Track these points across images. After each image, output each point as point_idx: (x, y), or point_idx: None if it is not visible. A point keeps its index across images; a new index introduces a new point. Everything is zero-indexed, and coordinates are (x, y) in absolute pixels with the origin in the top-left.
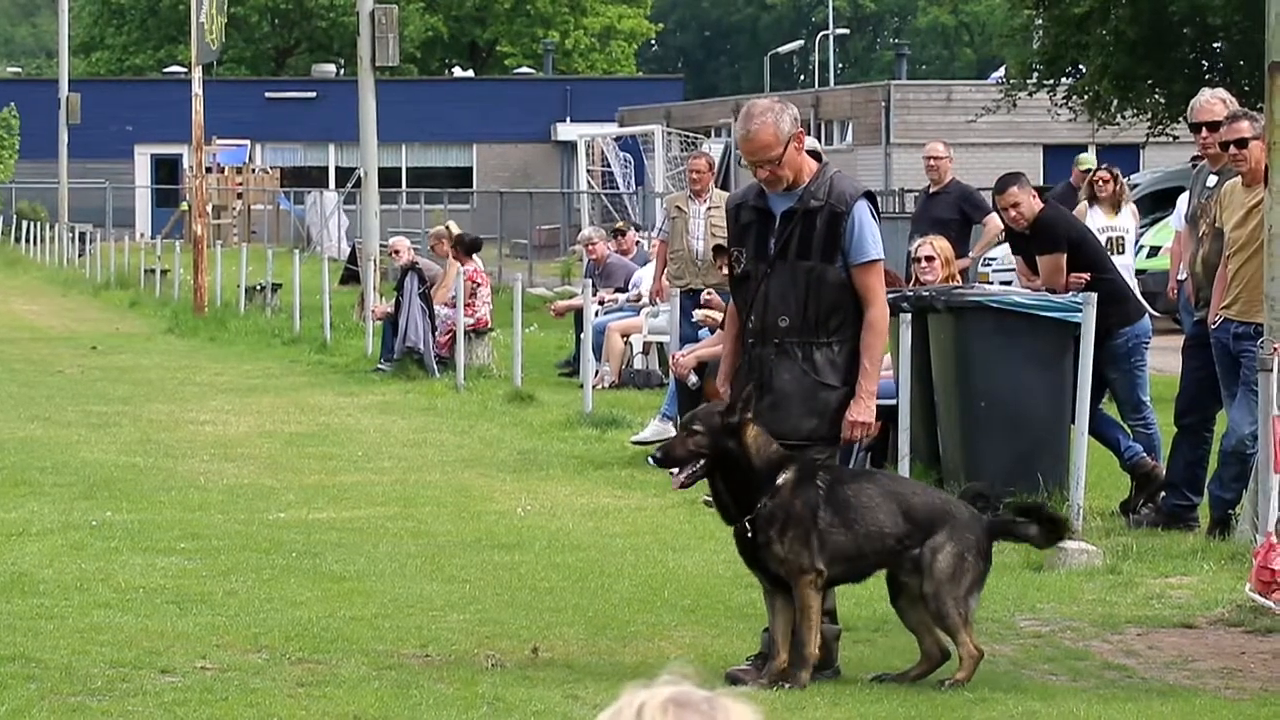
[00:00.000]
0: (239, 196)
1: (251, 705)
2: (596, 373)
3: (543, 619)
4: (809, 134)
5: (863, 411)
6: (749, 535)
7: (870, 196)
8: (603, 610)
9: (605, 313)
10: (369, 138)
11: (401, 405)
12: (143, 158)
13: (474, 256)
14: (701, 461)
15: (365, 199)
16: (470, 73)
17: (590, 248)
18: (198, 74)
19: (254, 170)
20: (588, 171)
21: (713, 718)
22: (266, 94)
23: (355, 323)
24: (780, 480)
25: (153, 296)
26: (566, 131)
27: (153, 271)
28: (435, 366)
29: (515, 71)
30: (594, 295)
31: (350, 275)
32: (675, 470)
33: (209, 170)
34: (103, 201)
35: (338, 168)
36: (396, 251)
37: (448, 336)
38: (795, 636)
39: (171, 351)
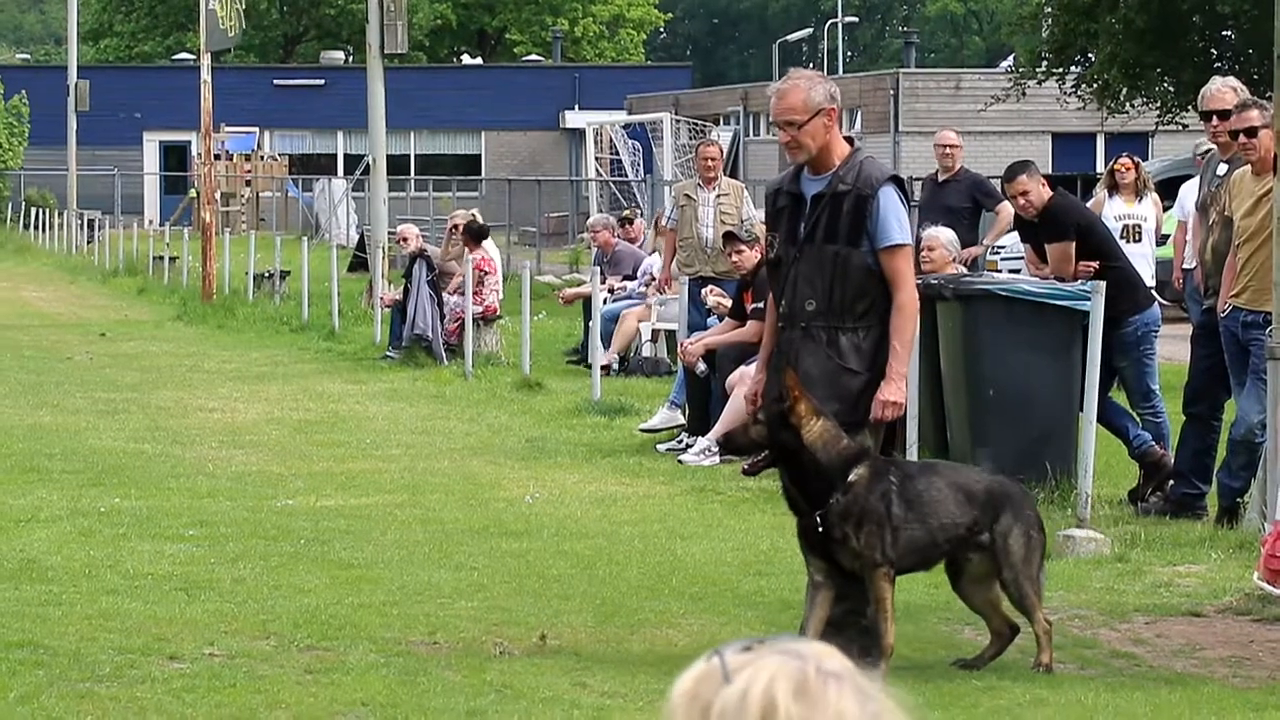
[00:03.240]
0: (247, 184)
1: (259, 692)
2: (604, 361)
3: (551, 606)
4: None
5: (894, 392)
6: (820, 530)
7: (898, 181)
8: (611, 598)
9: (614, 300)
10: (377, 125)
11: (410, 393)
12: (151, 145)
13: (483, 244)
14: (764, 451)
15: (374, 186)
16: (479, 60)
17: (595, 234)
18: (206, 61)
19: (262, 157)
20: (596, 159)
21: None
22: (275, 81)
23: (364, 310)
24: (853, 476)
25: (161, 283)
26: (575, 119)
27: (161, 258)
28: (444, 354)
29: (524, 59)
30: (602, 283)
31: (359, 263)
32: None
33: (217, 157)
34: (111, 188)
35: (346, 155)
36: (405, 239)
37: (456, 324)
38: (873, 628)
39: (180, 339)
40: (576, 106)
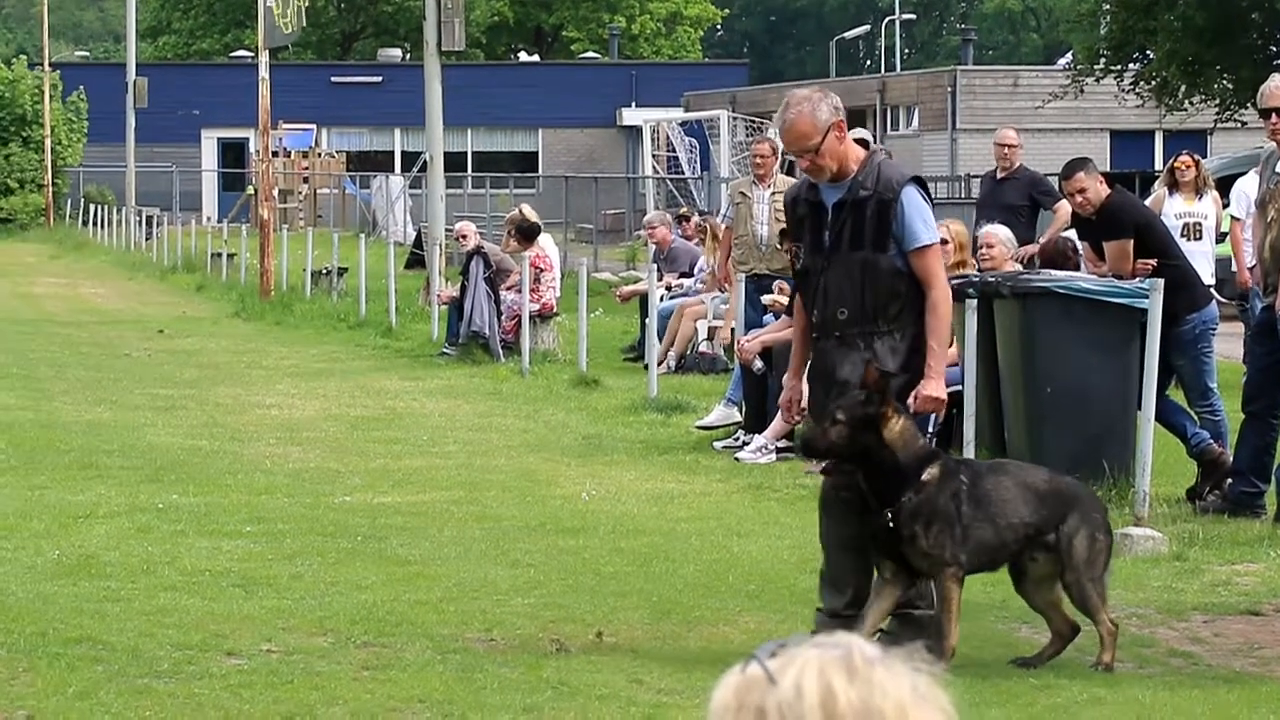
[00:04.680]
0: (305, 181)
1: (316, 688)
2: (661, 358)
3: (607, 603)
4: (875, 120)
5: (934, 388)
6: (891, 527)
7: (919, 181)
8: (667, 595)
9: (671, 297)
10: (434, 122)
11: (466, 390)
12: (209, 142)
13: (537, 241)
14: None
15: (431, 183)
16: (536, 57)
17: (651, 231)
18: (264, 58)
19: (320, 154)
20: (653, 156)
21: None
22: (332, 78)
23: (421, 307)
24: (926, 475)
25: (219, 280)
26: (632, 116)
27: (219, 255)
28: (500, 351)
29: (581, 56)
30: (659, 280)
31: (416, 260)
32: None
33: (275, 154)
34: (169, 185)
35: (403, 152)
36: (462, 236)
37: (513, 321)
38: (937, 628)
39: (237, 335)
40: (633, 104)
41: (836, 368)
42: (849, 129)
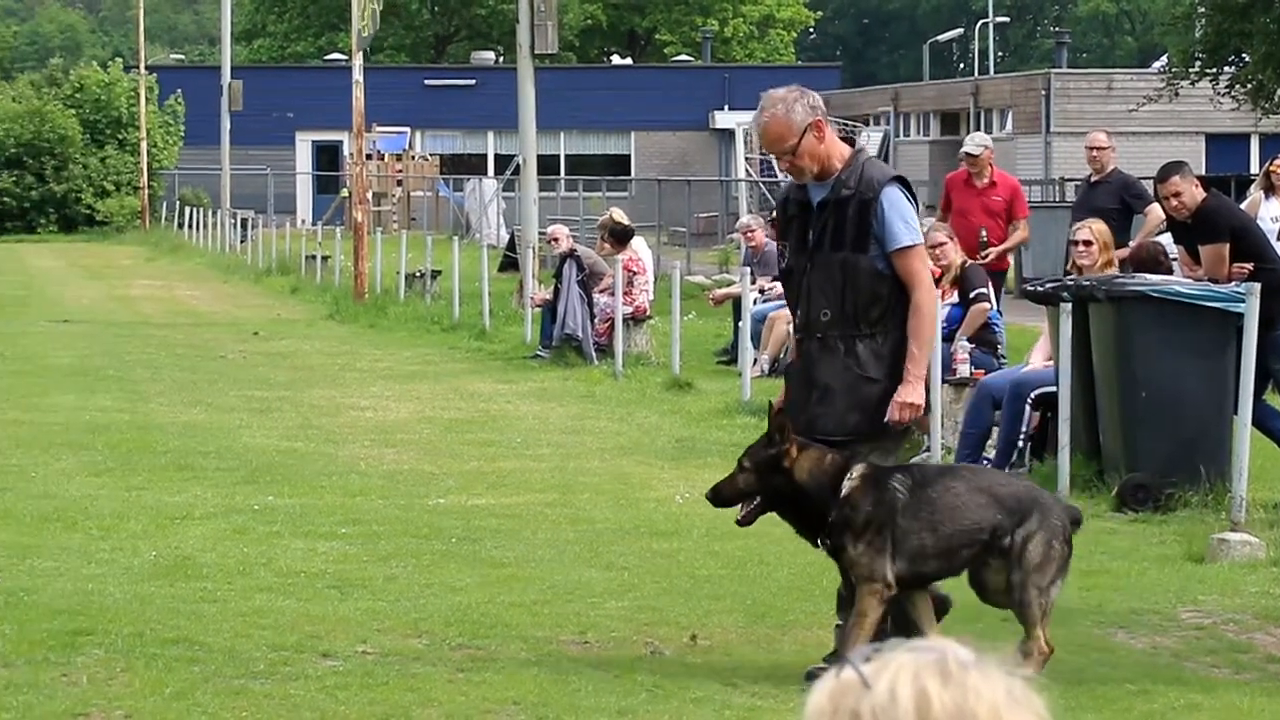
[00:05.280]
0: (399, 183)
1: (411, 690)
2: (755, 361)
3: (701, 606)
4: (968, 123)
5: (911, 393)
6: (828, 544)
7: (902, 180)
8: (761, 598)
9: (764, 300)
10: (528, 125)
11: (560, 392)
12: (303, 144)
13: (630, 244)
14: (756, 499)
15: (524, 186)
16: (629, 60)
17: (749, 235)
18: (358, 61)
19: (413, 157)
20: (746, 159)
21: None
22: (426, 81)
23: (514, 310)
24: (846, 488)
25: (313, 283)
26: (725, 119)
27: (313, 258)
28: (594, 354)
29: (674, 59)
30: (752, 283)
31: (509, 262)
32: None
33: (369, 157)
34: (264, 188)
35: (496, 155)
36: (555, 239)
37: (606, 324)
38: (845, 639)
39: (331, 337)
40: (726, 107)
41: (817, 370)
42: (945, 133)
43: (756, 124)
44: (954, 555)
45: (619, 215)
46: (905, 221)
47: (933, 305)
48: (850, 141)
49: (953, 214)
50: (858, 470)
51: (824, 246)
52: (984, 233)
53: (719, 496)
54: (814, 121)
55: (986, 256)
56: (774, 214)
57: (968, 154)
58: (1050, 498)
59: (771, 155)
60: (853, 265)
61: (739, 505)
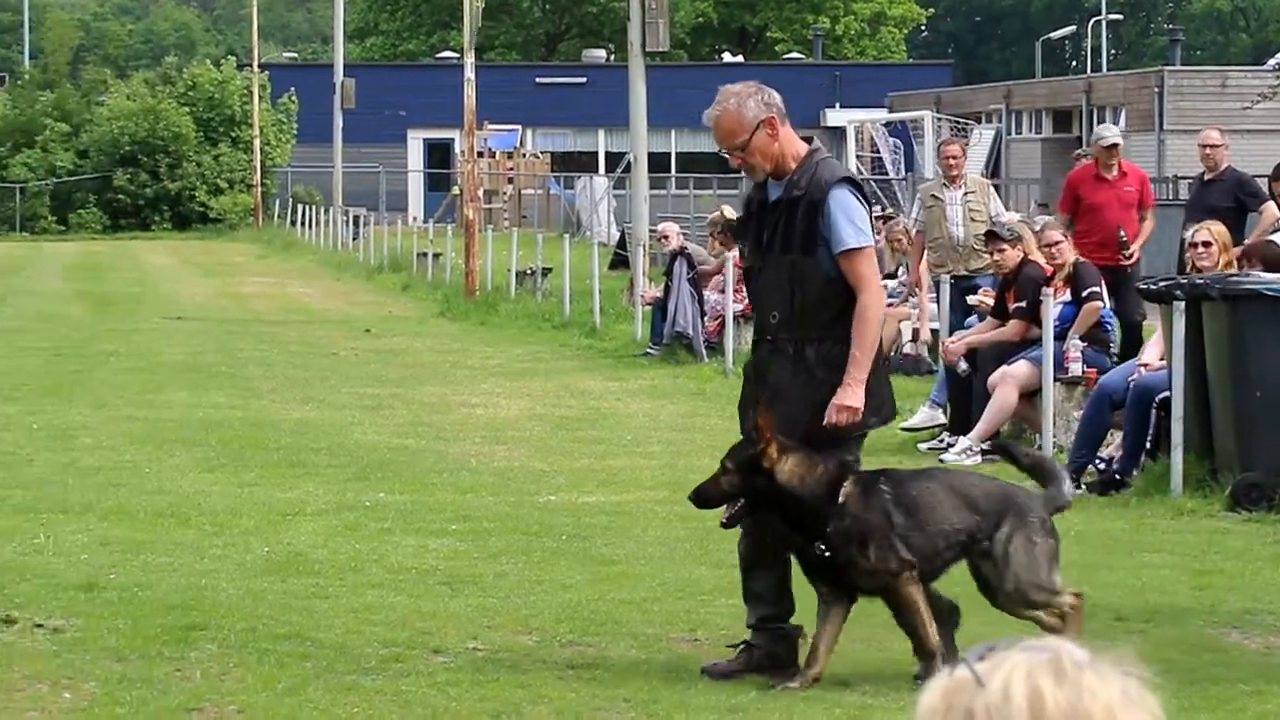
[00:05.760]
0: (510, 181)
1: (522, 687)
2: None
3: (812, 605)
4: (1081, 121)
5: (850, 397)
6: (827, 557)
7: (852, 181)
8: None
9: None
10: (639, 123)
11: (670, 390)
12: (415, 142)
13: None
14: (740, 500)
15: (635, 184)
16: (740, 58)
17: None
18: (470, 59)
19: (524, 155)
20: (857, 157)
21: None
22: (537, 79)
23: (624, 307)
24: (842, 496)
25: (424, 280)
26: (836, 117)
27: (425, 255)
28: (704, 351)
29: (785, 57)
30: None
31: (620, 260)
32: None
33: (480, 155)
34: (376, 185)
35: (607, 153)
36: (666, 237)
37: (717, 321)
38: (912, 635)
39: (443, 335)
40: (837, 104)
41: (769, 373)
42: (1057, 130)
43: (708, 117)
44: (935, 557)
45: (729, 212)
46: (852, 223)
47: (878, 309)
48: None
49: (1083, 212)
50: (850, 479)
51: (774, 247)
52: (1123, 232)
53: (701, 497)
54: (767, 119)
55: (1130, 256)
56: (887, 213)
57: (1109, 144)
58: (1023, 493)
59: (721, 150)
60: (801, 267)
61: (724, 507)
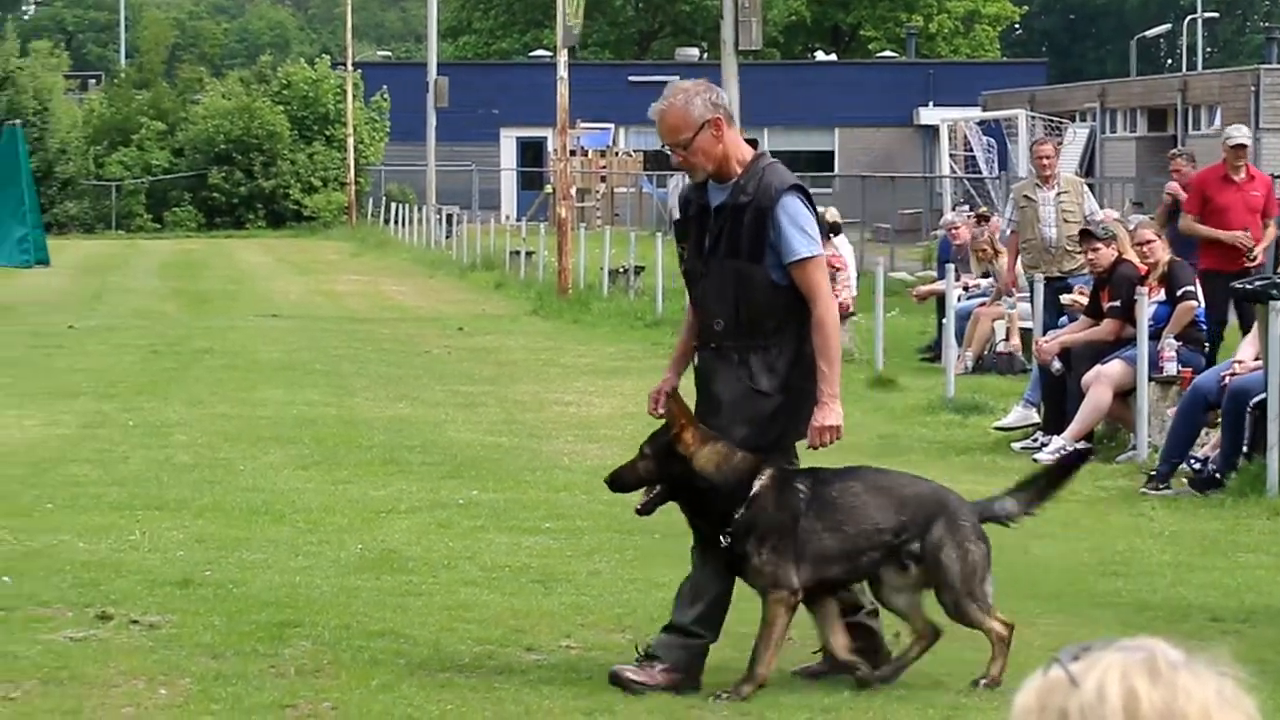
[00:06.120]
0: (602, 179)
1: (603, 683)
2: (959, 358)
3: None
4: (1176, 119)
5: (828, 416)
6: (728, 546)
7: (801, 189)
8: None
9: (967, 297)
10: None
11: None
12: (508, 141)
13: (833, 239)
14: (657, 486)
15: None
16: (833, 56)
17: (953, 232)
18: (563, 58)
19: (617, 154)
20: (950, 156)
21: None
22: (630, 78)
23: None
24: (756, 488)
25: (517, 278)
26: (929, 116)
27: (518, 253)
28: None
29: (878, 55)
30: (956, 279)
31: None
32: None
33: (573, 153)
34: (469, 184)
35: None
36: None
37: None
38: (755, 651)
39: (535, 333)
40: (930, 103)
41: (710, 380)
42: (1151, 129)
43: (654, 111)
44: (857, 558)
45: (834, 214)
46: (804, 231)
47: (835, 319)
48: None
49: (1208, 214)
50: (767, 472)
51: (719, 253)
52: (1247, 237)
53: (618, 482)
54: (713, 119)
55: (1254, 259)
56: (982, 212)
57: (1235, 144)
58: (955, 498)
59: (663, 146)
60: (747, 275)
61: (641, 492)
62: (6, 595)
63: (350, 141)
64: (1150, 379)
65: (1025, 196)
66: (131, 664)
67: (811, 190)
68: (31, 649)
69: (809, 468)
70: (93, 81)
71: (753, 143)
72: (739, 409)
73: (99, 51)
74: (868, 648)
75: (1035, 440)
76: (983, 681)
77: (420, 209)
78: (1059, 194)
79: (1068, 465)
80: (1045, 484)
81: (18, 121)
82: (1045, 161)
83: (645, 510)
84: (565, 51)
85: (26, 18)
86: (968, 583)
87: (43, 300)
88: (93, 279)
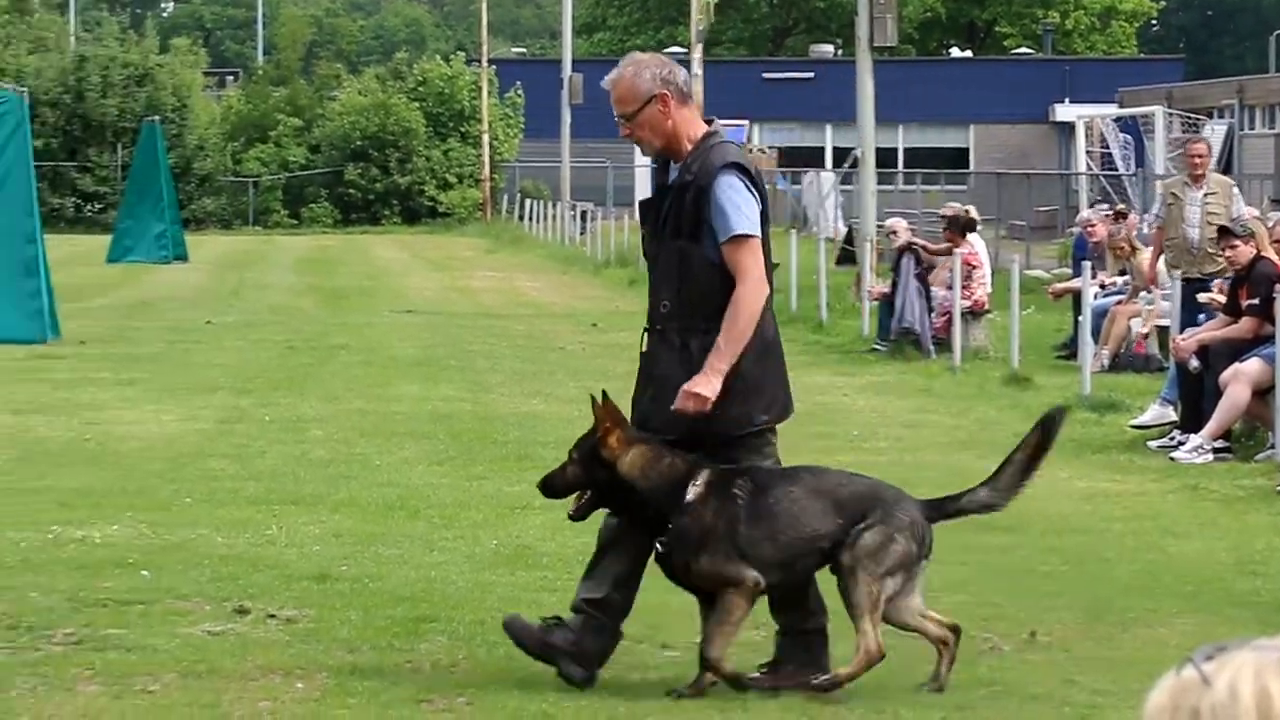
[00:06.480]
0: None
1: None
2: (1095, 355)
3: (1040, 603)
4: None
5: (703, 384)
6: (666, 555)
7: (741, 168)
8: (1101, 595)
9: (1104, 295)
10: (866, 118)
11: (897, 386)
12: None
13: (969, 237)
14: (588, 492)
15: (862, 179)
16: (968, 53)
17: (1089, 229)
18: (697, 55)
19: (751, 150)
20: (1086, 153)
21: None
22: (764, 74)
23: (851, 303)
24: (690, 495)
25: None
26: (1065, 113)
27: None
28: (931, 347)
29: (1014, 52)
30: (1092, 277)
31: (846, 255)
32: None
33: None
34: (604, 180)
35: (834, 148)
36: (894, 232)
37: (944, 317)
38: (710, 638)
39: None
40: (1066, 99)
41: (653, 364)
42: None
43: (607, 81)
44: (793, 565)
45: (974, 211)
46: (738, 210)
47: (755, 301)
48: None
49: None
50: (702, 477)
51: (665, 234)
52: None
53: (547, 487)
54: (660, 94)
55: None
56: (1120, 209)
57: None
58: (896, 493)
59: (617, 118)
60: (688, 255)
61: (573, 498)
62: (145, 589)
63: (485, 138)
64: None
65: (1173, 194)
66: (269, 658)
67: (946, 188)
68: (170, 642)
69: (747, 467)
70: (230, 78)
71: (709, 123)
72: (674, 394)
73: (237, 48)
74: (806, 660)
75: (1172, 438)
76: (822, 679)
77: (555, 205)
78: (1206, 194)
79: (1047, 428)
80: (1025, 460)
81: (156, 118)
82: (1198, 160)
83: (577, 516)
84: (699, 48)
85: (166, 15)
86: (873, 561)
87: (181, 296)
88: (230, 275)
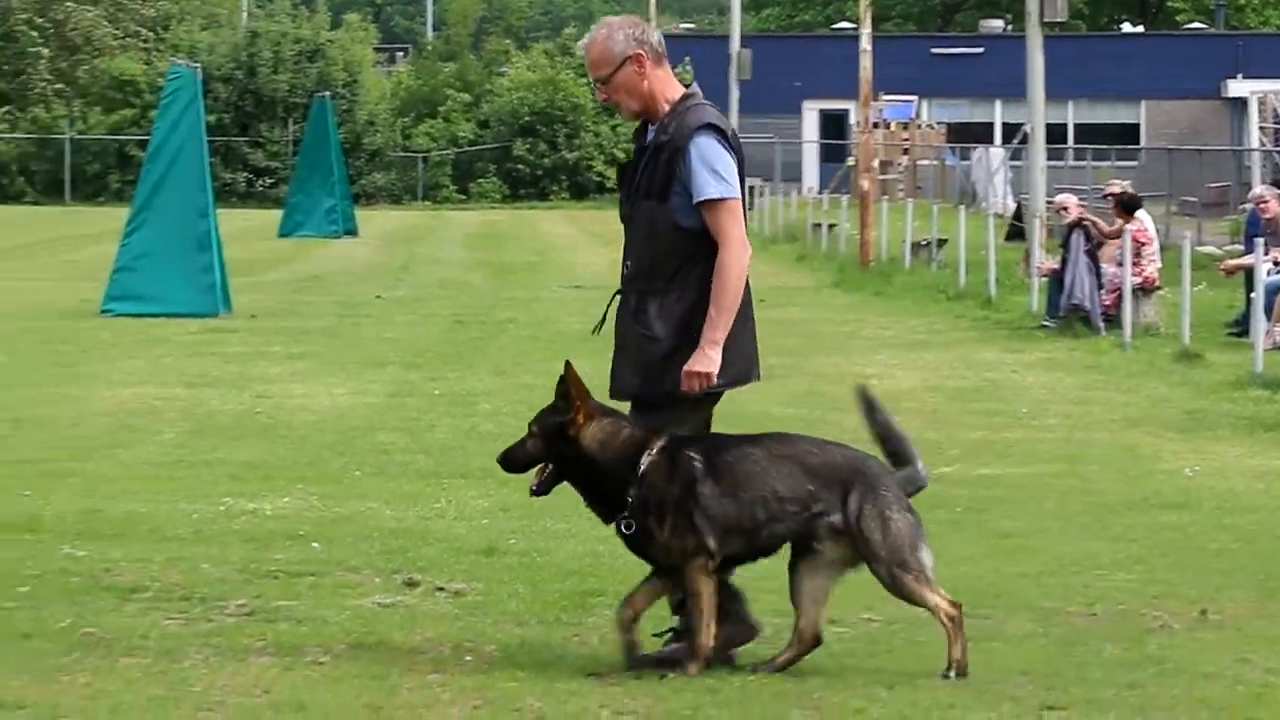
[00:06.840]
0: (905, 152)
1: (919, 659)
2: (1267, 333)
3: (1212, 581)
4: None
5: (702, 361)
6: (629, 534)
7: (717, 129)
8: (1274, 573)
9: (1277, 272)
10: (1036, 94)
11: (1066, 363)
12: (810, 113)
13: (1137, 214)
14: (549, 466)
15: (1031, 155)
16: (1139, 28)
17: (1262, 206)
18: (866, 30)
19: (920, 126)
20: (1259, 129)
21: None
22: (933, 50)
23: (1020, 279)
24: (644, 464)
25: (819, 251)
26: (1238, 88)
27: (819, 226)
28: (1101, 324)
29: (1186, 26)
30: (1265, 254)
31: (1015, 231)
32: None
33: (875, 126)
34: (772, 156)
35: (1004, 124)
36: (1065, 208)
37: (1114, 294)
38: (688, 627)
39: (837, 305)
40: (1239, 75)
41: (617, 325)
42: None
43: (579, 46)
44: (758, 530)
45: (1121, 184)
46: (715, 172)
47: (740, 265)
48: None
49: None
50: (656, 445)
51: (637, 195)
52: None
53: (507, 461)
54: (634, 54)
55: None
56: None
57: None
58: (874, 464)
59: (592, 81)
60: (654, 216)
61: (535, 472)
62: (316, 561)
63: None
64: None
65: None
66: (438, 630)
67: (1116, 164)
68: (340, 614)
69: (705, 434)
70: (400, 54)
71: (686, 84)
72: (634, 356)
73: (407, 24)
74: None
75: None
76: (951, 673)
77: None
78: None
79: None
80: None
81: (327, 94)
82: None
83: (539, 491)
84: (869, 23)
85: None
86: (896, 552)
87: (351, 270)
88: (400, 250)
